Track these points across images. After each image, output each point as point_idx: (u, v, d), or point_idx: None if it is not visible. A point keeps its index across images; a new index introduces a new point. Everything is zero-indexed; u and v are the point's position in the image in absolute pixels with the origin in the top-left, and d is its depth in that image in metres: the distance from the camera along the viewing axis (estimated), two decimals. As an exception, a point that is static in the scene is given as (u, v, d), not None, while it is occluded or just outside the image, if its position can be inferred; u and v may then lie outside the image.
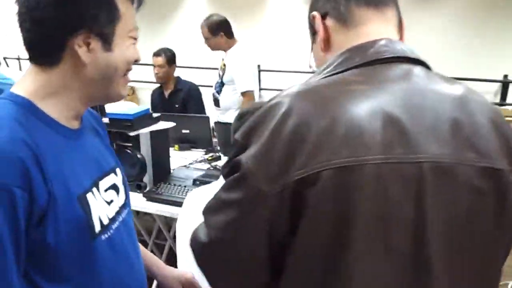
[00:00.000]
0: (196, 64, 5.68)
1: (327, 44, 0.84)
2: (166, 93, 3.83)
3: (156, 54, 3.71)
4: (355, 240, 0.68)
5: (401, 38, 0.84)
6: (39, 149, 0.78)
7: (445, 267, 0.71)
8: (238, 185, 0.72)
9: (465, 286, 0.75)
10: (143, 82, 6.12)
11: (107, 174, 0.96)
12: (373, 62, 0.77)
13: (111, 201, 0.94)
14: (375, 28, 0.81)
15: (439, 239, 0.70)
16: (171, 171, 2.56)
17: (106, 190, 0.94)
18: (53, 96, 0.85)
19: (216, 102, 3.63)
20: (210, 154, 2.97)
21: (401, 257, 0.70)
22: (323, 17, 0.84)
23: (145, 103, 5.68)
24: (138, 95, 6.56)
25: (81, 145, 0.91)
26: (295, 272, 0.72)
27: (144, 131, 2.30)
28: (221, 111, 3.60)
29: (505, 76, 4.41)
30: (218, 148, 3.06)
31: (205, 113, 4.02)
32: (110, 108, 3.18)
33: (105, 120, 2.33)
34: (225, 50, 3.46)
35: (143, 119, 2.33)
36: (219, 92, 3.59)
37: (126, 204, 1.02)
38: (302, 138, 0.68)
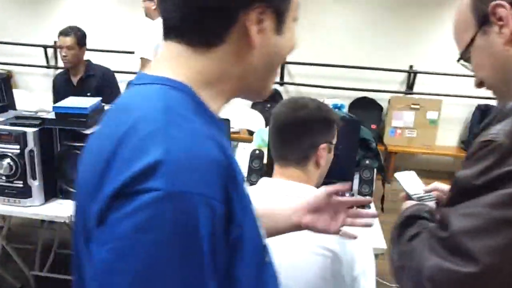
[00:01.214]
0: (108, 47, 4.98)
1: None
2: (75, 80, 3.31)
3: (64, 33, 3.17)
4: None
5: None
6: (226, 150, 0.57)
7: None
8: None
9: None
10: (23, 66, 5.20)
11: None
12: None
13: None
14: None
15: None
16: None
17: None
18: (210, 85, 0.63)
19: None
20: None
21: None
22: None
23: (25, 90, 4.86)
24: (17, 81, 5.39)
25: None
26: None
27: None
28: None
29: (411, 66, 4.85)
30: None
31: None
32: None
33: (50, 115, 1.88)
34: (152, 19, 3.51)
35: (97, 113, 1.94)
36: None
37: None
38: None
